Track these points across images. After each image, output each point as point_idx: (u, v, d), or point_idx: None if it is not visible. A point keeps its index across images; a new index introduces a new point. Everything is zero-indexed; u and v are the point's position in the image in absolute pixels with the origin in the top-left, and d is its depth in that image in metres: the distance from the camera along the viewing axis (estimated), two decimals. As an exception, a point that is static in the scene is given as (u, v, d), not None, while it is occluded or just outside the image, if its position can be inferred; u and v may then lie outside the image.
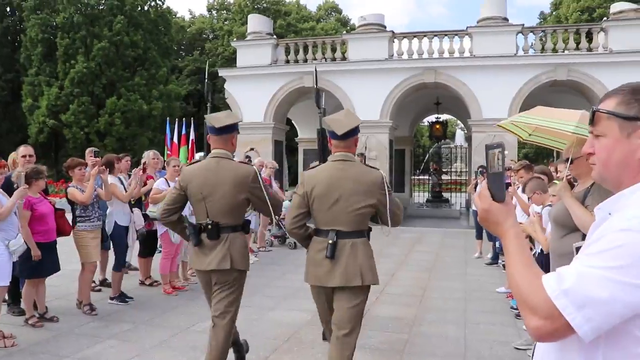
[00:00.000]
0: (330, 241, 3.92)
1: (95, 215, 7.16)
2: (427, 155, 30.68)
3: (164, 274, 8.31)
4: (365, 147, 18.26)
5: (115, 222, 7.70)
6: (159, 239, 8.52)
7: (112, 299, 7.63)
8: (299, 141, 25.44)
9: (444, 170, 27.20)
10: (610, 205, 1.48)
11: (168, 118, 19.89)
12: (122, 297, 7.61)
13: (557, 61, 17.60)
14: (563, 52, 18.27)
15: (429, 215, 20.70)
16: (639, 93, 1.48)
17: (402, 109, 19.90)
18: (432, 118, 26.48)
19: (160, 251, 8.65)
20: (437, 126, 24.14)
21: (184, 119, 19.47)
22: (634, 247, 1.26)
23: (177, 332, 6.38)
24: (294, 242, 13.10)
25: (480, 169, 11.77)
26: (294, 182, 32.29)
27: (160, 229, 8.19)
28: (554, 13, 50.18)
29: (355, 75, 18.58)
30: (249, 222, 4.57)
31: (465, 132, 66.45)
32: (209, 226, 4.30)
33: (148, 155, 9.17)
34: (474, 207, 11.56)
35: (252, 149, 14.87)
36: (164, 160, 9.94)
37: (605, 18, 18.45)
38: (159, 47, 35.03)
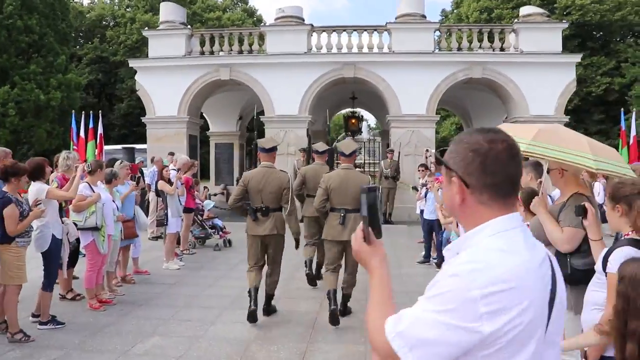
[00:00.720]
0: (341, 214, 6.91)
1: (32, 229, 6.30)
2: (334, 147, 30.63)
3: (90, 287, 7.52)
4: (284, 143, 17.85)
5: (53, 235, 6.65)
6: (81, 250, 7.74)
7: (43, 323, 6.60)
8: (211, 135, 24.80)
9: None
10: (458, 246, 1.58)
11: (73, 112, 18.55)
12: (55, 321, 6.65)
13: (472, 59, 18.00)
14: (474, 50, 18.69)
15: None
16: (459, 143, 1.58)
17: (318, 102, 19.69)
18: (346, 111, 26.46)
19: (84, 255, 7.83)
20: (353, 120, 24.28)
21: (90, 111, 18.20)
22: (459, 293, 1.38)
23: (115, 356, 5.71)
24: (218, 244, 12.64)
25: (420, 168, 11.72)
26: (203, 175, 31.45)
27: (85, 239, 7.41)
28: (455, 11, 51.82)
29: (273, 68, 18.19)
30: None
31: (369, 124, 67.46)
32: (263, 208, 6.99)
33: (73, 157, 8.12)
34: (420, 209, 11.28)
35: (171, 154, 14.07)
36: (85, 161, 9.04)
37: (515, 20, 19.03)
38: (56, 33, 32.73)
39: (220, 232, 12.98)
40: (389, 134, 19.16)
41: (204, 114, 23.52)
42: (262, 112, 18.64)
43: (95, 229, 7.35)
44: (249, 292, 6.92)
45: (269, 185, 6.95)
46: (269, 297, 7.26)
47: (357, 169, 8.20)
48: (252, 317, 6.76)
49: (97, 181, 7.71)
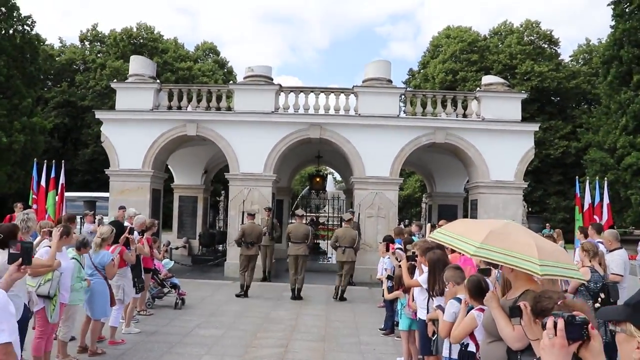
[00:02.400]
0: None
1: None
2: (295, 204, 30.80)
3: (38, 355, 7.27)
4: (248, 201, 17.80)
5: (25, 305, 6.13)
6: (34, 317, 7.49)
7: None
8: (175, 187, 24.68)
9: (319, 219, 27.30)
10: None
11: (35, 160, 18.23)
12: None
13: (436, 124, 18.33)
14: (438, 115, 19.03)
15: (308, 269, 20.39)
16: None
17: (284, 160, 19.78)
18: (311, 169, 26.57)
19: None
20: (318, 179, 24.46)
21: (53, 160, 17.93)
22: None
23: None
24: (177, 301, 12.39)
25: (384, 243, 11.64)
26: (166, 224, 31.08)
27: (39, 305, 7.18)
28: (421, 71, 53.17)
29: (240, 126, 18.25)
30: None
31: (335, 177, 67.97)
32: (298, 242, 14.19)
33: (32, 218, 7.64)
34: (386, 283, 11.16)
35: (122, 208, 13.80)
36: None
37: (478, 88, 19.58)
38: (23, 75, 32.53)
39: (178, 292, 12.72)
40: (352, 195, 19.27)
41: (169, 167, 23.37)
42: (227, 169, 18.63)
43: (47, 297, 7.15)
44: (292, 290, 14.48)
45: (300, 232, 14.39)
46: (299, 290, 14.41)
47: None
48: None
49: (63, 246, 7.53)
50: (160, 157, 18.96)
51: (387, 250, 10.91)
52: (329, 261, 23.00)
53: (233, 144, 18.34)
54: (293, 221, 16.40)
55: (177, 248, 22.60)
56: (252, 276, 14.89)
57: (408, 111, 19.41)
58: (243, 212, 16.84)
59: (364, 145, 18.12)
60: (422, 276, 6.93)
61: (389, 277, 9.66)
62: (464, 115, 18.84)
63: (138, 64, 19.53)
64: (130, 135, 18.38)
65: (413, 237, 12.18)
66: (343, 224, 15.68)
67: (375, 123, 18.07)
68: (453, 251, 8.46)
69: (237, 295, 14.39)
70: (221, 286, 16.08)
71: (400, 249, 10.59)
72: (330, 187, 43.67)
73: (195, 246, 23.27)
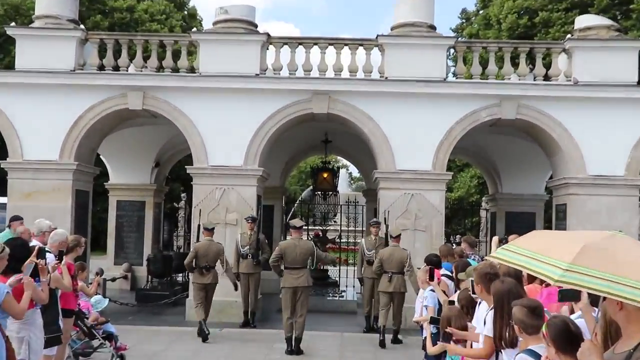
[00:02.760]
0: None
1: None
2: (292, 212, 30.57)
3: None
4: (221, 207, 17.83)
5: None
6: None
7: None
8: (112, 188, 24.83)
9: (327, 233, 27.23)
10: None
11: None
12: None
13: (502, 92, 18.24)
14: (506, 78, 19.09)
15: (312, 308, 20.21)
16: None
17: (274, 148, 19.94)
18: (314, 160, 26.54)
19: None
20: (325, 175, 24.24)
21: None
22: None
23: None
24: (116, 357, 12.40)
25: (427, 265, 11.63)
26: (97, 246, 31.02)
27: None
28: (480, 12, 52.94)
29: (209, 96, 18.30)
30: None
31: (351, 173, 67.81)
32: (297, 267, 14.23)
33: None
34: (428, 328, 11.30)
35: (16, 218, 13.83)
36: None
37: (569, 35, 19.34)
38: None
39: (115, 345, 12.64)
40: (377, 197, 19.30)
41: (101, 158, 23.36)
42: (189, 161, 18.65)
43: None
44: (286, 339, 14.26)
45: (300, 251, 14.24)
46: (299, 339, 14.22)
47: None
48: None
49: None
50: (87, 144, 19.00)
51: (431, 279, 10.84)
52: (342, 296, 22.86)
53: (198, 124, 18.35)
54: (289, 237, 16.58)
55: (114, 279, 22.50)
56: (208, 310, 15.98)
57: (460, 72, 19.16)
58: (199, 226, 17.13)
59: (393, 124, 18.12)
60: (482, 316, 6.96)
61: (432, 321, 9.59)
62: (546, 78, 18.74)
63: (50, 0, 19.23)
64: (41, 110, 18.32)
65: (471, 260, 12.17)
66: (390, 241, 16.20)
67: (411, 90, 18.05)
68: (532, 279, 8.49)
69: (199, 335, 15.42)
70: (181, 335, 16.03)
71: (449, 276, 10.80)
72: (343, 187, 43.55)
73: (142, 276, 23.13)
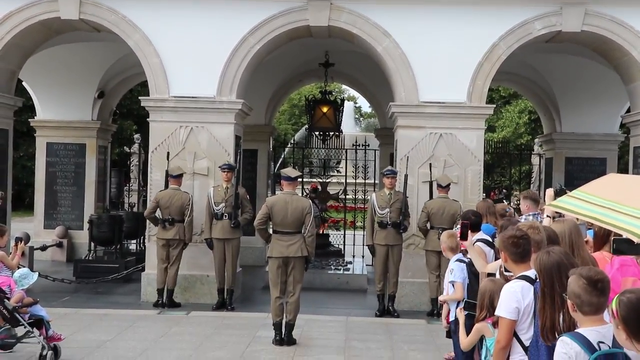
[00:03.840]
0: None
1: None
2: (282, 158, 30.43)
3: None
4: (186, 152, 17.77)
5: None
6: None
7: None
8: (39, 127, 24.94)
9: (328, 187, 27.05)
10: None
11: None
12: None
13: None
14: None
15: (308, 285, 20.15)
16: None
17: (257, 74, 19.97)
18: (311, 89, 26.34)
19: None
20: (325, 109, 24.09)
21: None
22: None
23: None
24: (44, 354, 12.33)
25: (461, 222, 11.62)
26: (20, 205, 30.99)
27: None
28: None
29: (169, 2, 18.22)
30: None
31: (359, 106, 67.54)
32: (288, 231, 14.23)
33: None
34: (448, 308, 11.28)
35: None
36: None
37: None
38: None
39: (46, 334, 12.59)
40: (394, 139, 19.36)
41: (24, 85, 23.31)
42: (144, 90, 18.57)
43: None
44: (275, 325, 14.16)
45: (293, 210, 14.08)
46: (290, 326, 14.25)
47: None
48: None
49: None
50: (3, 66, 19.00)
51: (464, 238, 10.80)
52: (347, 269, 22.79)
53: (156, 40, 18.24)
54: (278, 191, 17.08)
55: (44, 248, 22.57)
56: (176, 273, 17.26)
57: None
58: (167, 172, 17.55)
59: (416, 40, 18.08)
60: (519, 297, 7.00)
61: (467, 306, 9.63)
62: None
63: None
64: None
65: (521, 218, 12.17)
66: (437, 191, 17.06)
67: None
68: (599, 246, 8.49)
69: (155, 305, 17.02)
70: (136, 321, 16.02)
71: (487, 242, 11.00)
72: (349, 125, 43.31)
73: (83, 243, 23.26)
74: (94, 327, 15.36)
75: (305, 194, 23.85)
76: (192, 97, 18.11)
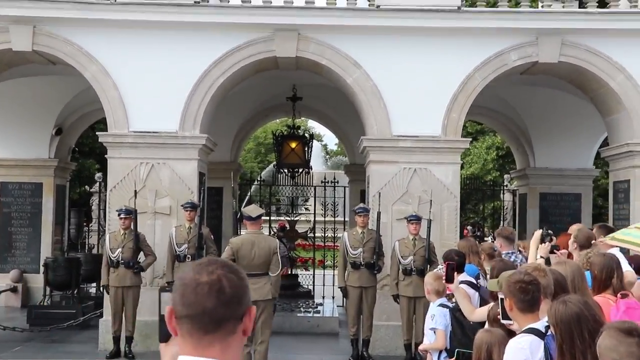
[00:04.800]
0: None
1: None
2: (248, 197, 30.25)
3: None
4: (147, 190, 17.21)
5: None
6: None
7: None
8: (-3, 165, 24.84)
9: (296, 225, 26.65)
10: None
11: None
12: None
13: (540, 24, 18.06)
14: (545, 4, 18.74)
15: (277, 329, 19.74)
16: None
17: (222, 108, 19.97)
18: (277, 125, 25.88)
19: None
20: (293, 145, 23.79)
21: None
22: None
23: None
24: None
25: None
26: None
27: None
28: None
29: (128, 33, 17.93)
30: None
31: (325, 145, 67.93)
32: (255, 273, 13.72)
33: None
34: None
35: None
36: None
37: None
38: None
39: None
40: (366, 175, 19.17)
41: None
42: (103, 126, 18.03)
43: None
44: None
45: (261, 251, 13.91)
46: None
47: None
48: None
49: None
50: None
51: (449, 280, 10.33)
52: (318, 311, 22.44)
53: (114, 72, 18.00)
54: (243, 231, 15.99)
55: None
56: (134, 321, 16.90)
57: None
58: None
59: (388, 72, 17.98)
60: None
61: (460, 357, 9.43)
62: (601, 4, 18.63)
63: None
64: None
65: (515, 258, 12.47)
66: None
67: (412, 25, 17.82)
68: (600, 289, 8.05)
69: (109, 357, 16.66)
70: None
71: (471, 284, 10.95)
72: (317, 163, 43.26)
73: (39, 287, 22.80)
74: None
75: (272, 232, 23.68)
76: (153, 132, 17.84)
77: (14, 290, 23.13)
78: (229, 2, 18.34)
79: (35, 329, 19.03)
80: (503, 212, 33.73)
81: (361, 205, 18.01)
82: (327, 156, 55.35)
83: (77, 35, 17.90)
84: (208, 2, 18.08)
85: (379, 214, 17.05)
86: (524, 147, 25.46)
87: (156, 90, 17.75)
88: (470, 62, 17.86)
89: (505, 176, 36.07)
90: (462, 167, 46.10)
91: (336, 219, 27.14)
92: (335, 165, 47.96)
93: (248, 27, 17.92)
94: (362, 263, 16.70)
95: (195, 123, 17.84)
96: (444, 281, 10.53)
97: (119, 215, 16.86)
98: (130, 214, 16.80)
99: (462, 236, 18.99)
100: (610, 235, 6.51)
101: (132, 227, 16.91)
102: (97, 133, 18.47)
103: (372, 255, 16.66)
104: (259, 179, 36.32)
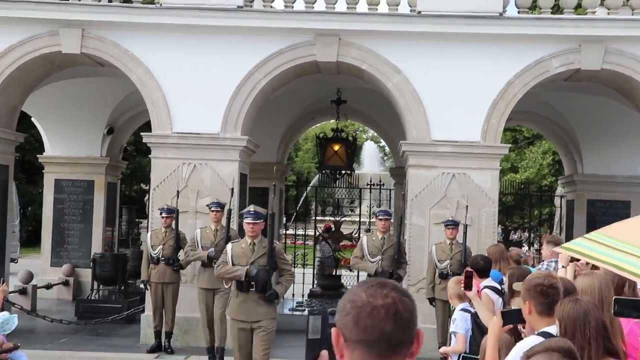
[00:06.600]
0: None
1: None
2: (304, 197, 30.31)
3: None
4: (189, 190, 17.49)
5: None
6: None
7: None
8: (47, 162, 24.99)
9: (342, 226, 26.65)
10: None
11: None
12: None
13: (583, 32, 17.89)
14: (588, 13, 18.58)
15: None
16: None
17: (265, 112, 19.95)
18: (324, 127, 25.89)
19: None
20: (336, 147, 23.99)
21: None
22: None
23: None
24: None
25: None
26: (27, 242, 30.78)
27: None
28: None
29: (173, 36, 18.06)
30: None
31: (382, 145, 67.82)
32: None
33: None
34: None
35: None
36: None
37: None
38: None
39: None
40: (406, 178, 19.08)
41: (32, 120, 23.48)
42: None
43: None
44: None
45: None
46: None
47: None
48: None
49: None
50: (3, 100, 18.87)
51: (468, 287, 10.31)
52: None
53: (159, 74, 18.10)
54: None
55: (49, 286, 22.81)
56: (173, 317, 16.97)
57: (524, 5, 18.76)
58: (162, 209, 17.32)
59: (428, 77, 17.98)
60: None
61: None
62: None
63: None
64: None
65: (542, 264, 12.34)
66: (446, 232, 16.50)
67: (453, 30, 17.79)
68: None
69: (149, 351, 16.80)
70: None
71: (496, 289, 10.94)
72: (373, 165, 43.16)
73: (89, 281, 22.91)
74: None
75: (318, 233, 23.55)
76: (196, 134, 17.95)
77: (65, 283, 23.46)
78: (271, 7, 18.41)
79: (81, 321, 19.36)
80: (556, 219, 33.19)
81: (381, 209, 17.89)
82: (385, 157, 55.02)
83: (124, 38, 18.07)
84: (251, 6, 18.16)
85: (401, 217, 17.29)
86: (572, 153, 25.18)
87: (199, 93, 17.86)
88: (510, 68, 17.75)
89: (559, 181, 35.33)
90: (515, 172, 46.42)
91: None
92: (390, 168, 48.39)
93: (290, 32, 17.95)
94: (381, 271, 15.99)
95: (237, 125, 17.90)
96: (462, 288, 10.68)
97: (160, 213, 17.05)
98: (171, 213, 17.01)
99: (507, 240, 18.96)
100: (565, 244, 6.50)
101: (173, 225, 17.08)
102: (141, 134, 18.74)
103: (392, 264, 16.35)
104: (314, 181, 35.74)
